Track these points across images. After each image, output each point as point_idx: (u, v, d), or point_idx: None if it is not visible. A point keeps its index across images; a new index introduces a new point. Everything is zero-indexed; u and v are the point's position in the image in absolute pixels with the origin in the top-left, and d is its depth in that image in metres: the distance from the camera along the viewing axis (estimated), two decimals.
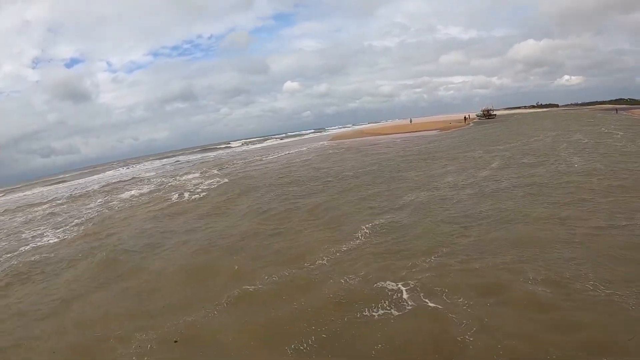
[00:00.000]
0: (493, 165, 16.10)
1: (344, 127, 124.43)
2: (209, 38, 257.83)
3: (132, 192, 19.85)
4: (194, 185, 18.77)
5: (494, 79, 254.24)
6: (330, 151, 30.52)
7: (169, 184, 21.79)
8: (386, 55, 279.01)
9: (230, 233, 9.39)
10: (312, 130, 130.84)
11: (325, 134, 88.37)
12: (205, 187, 17.93)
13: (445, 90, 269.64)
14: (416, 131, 45.15)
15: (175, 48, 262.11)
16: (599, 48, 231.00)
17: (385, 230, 8.62)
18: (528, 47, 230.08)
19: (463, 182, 13.07)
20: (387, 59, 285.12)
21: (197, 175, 24.21)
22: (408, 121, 75.73)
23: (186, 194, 16.32)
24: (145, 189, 20.75)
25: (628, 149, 18.46)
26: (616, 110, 77.14)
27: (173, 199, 16.00)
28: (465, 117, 71.84)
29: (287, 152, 36.59)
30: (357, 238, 8.27)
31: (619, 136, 25.04)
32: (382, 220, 9.26)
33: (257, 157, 34.25)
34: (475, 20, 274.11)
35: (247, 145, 78.07)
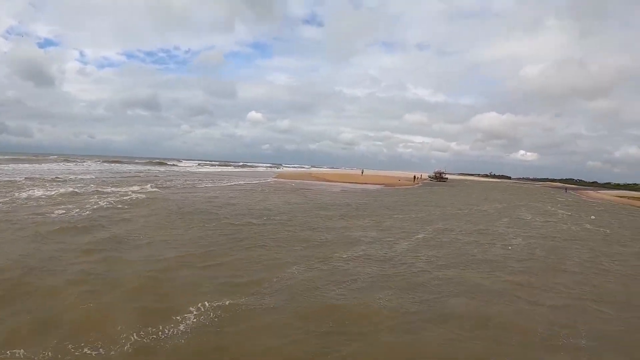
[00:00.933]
0: (419, 236, 14.94)
1: (301, 167, 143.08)
2: (186, 52, 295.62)
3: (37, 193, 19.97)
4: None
5: (453, 144, 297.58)
6: (265, 189, 32.81)
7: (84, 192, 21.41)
8: (354, 103, 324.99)
9: None
10: (270, 165, 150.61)
11: (278, 170, 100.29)
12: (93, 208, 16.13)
13: (405, 148, 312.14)
14: (362, 183, 49.63)
15: (150, 54, 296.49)
16: (557, 129, 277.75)
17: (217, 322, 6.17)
18: (490, 119, 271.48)
19: (374, 255, 11.32)
20: (354, 107, 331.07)
21: (120, 189, 24.12)
22: (360, 172, 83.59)
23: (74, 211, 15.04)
24: (54, 192, 20.56)
25: (572, 232, 19.20)
26: (565, 189, 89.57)
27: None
28: (414, 177, 77.08)
29: (228, 182, 39.01)
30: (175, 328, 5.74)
31: (565, 216, 26.39)
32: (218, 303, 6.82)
33: (199, 182, 36.44)
34: (445, 85, 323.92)
35: (201, 167, 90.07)
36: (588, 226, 22.11)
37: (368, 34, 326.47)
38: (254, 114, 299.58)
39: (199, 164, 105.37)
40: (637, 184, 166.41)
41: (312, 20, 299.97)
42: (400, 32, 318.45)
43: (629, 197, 55.33)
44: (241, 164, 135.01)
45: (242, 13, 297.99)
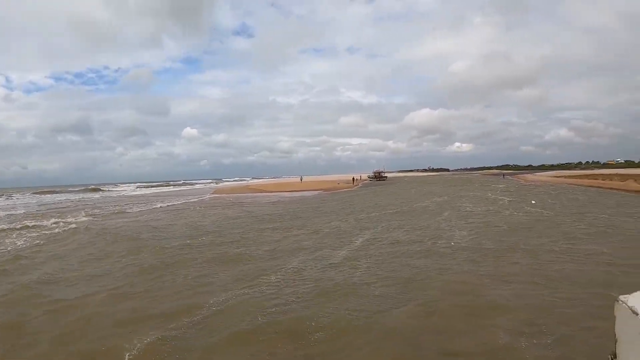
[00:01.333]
0: (357, 242, 14.22)
1: (241, 180, 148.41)
2: (116, 71, 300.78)
3: None
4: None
5: (390, 143, 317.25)
6: (202, 207, 33.26)
7: None
8: (288, 111, 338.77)
9: None
10: (210, 180, 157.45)
11: (217, 185, 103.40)
12: None
13: (342, 151, 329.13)
14: (300, 190, 51.82)
15: (78, 75, 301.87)
16: (488, 119, 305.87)
17: None
18: (423, 115, 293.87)
19: (307, 270, 10.32)
20: (289, 115, 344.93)
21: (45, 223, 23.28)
22: (299, 179, 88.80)
23: None
24: None
25: (515, 218, 19.80)
26: (503, 175, 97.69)
27: None
28: (353, 179, 79.42)
29: (166, 203, 38.61)
30: None
31: (506, 202, 27.39)
32: None
33: (134, 206, 35.97)
34: (377, 86, 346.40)
35: (140, 189, 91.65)
36: (530, 210, 23.01)
37: (299, 42, 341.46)
38: (189, 130, 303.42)
39: (137, 187, 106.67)
40: (570, 163, 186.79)
41: (242, 31, 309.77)
42: (330, 37, 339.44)
43: (565, 177, 60.31)
44: (181, 182, 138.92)
45: (168, 28, 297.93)
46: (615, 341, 1.15)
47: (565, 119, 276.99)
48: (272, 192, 51.80)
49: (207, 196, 50.13)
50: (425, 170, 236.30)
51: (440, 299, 7.88)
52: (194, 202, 39.88)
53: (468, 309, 7.33)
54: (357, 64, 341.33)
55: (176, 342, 6.39)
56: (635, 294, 1.17)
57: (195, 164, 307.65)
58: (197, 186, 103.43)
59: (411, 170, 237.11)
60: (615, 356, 1.15)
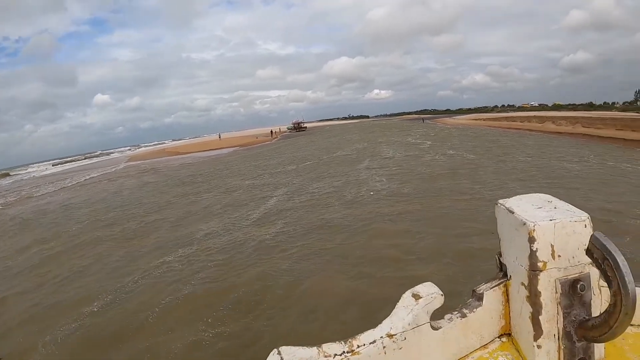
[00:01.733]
0: (270, 202, 13.35)
1: (161, 143, 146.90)
2: (17, 41, 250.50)
3: None
4: None
5: (309, 93, 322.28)
6: (113, 178, 31.66)
7: None
8: (204, 68, 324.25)
9: None
10: (128, 147, 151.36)
11: (133, 152, 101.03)
12: None
13: (261, 104, 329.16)
14: (217, 149, 52.27)
15: None
16: (407, 66, 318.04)
17: None
18: (342, 64, 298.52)
19: (216, 245, 9.28)
20: (205, 72, 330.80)
21: None
22: (218, 137, 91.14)
23: None
24: None
25: (438, 163, 20.10)
26: (422, 119, 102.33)
27: None
28: (272, 132, 79.15)
29: (76, 180, 35.93)
30: None
31: (426, 146, 27.92)
32: None
33: (43, 188, 33.01)
34: (293, 36, 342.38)
35: (55, 167, 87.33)
36: (451, 152, 23.61)
37: None
38: (100, 97, 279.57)
39: (52, 164, 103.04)
40: (487, 107, 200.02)
41: None
42: None
43: (484, 119, 63.85)
44: (98, 152, 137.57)
45: None
46: (499, 240, 1.32)
47: (483, 65, 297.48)
48: (188, 153, 51.76)
49: (122, 165, 48.82)
50: (345, 119, 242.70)
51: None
52: (108, 173, 37.93)
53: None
54: (273, 15, 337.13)
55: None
56: (512, 198, 1.33)
57: (111, 133, 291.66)
58: (113, 155, 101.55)
59: (331, 119, 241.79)
60: (500, 254, 1.32)
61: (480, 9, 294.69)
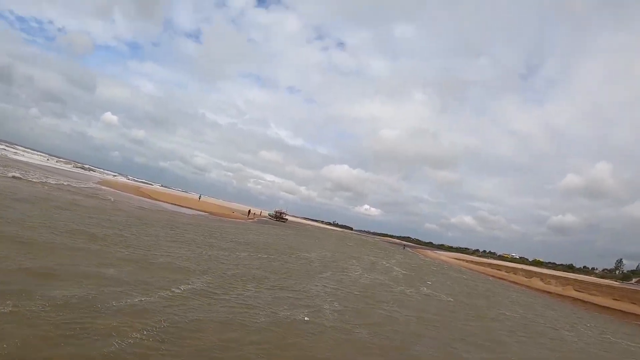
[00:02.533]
0: (178, 289, 9.55)
1: (148, 183, 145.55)
2: (60, 30, 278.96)
3: None
4: None
5: (303, 189, 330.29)
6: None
7: None
8: (214, 129, 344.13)
9: None
10: (116, 173, 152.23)
11: (111, 178, 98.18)
12: None
13: (255, 184, 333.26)
14: (188, 207, 51.49)
15: (21, 19, 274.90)
16: (402, 190, 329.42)
17: None
18: (342, 171, 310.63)
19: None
20: (214, 133, 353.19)
21: None
22: (198, 197, 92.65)
23: None
24: None
25: (406, 297, 16.76)
26: (404, 246, 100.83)
27: None
28: (249, 211, 77.99)
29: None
30: None
31: (400, 275, 24.68)
32: None
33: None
34: (305, 131, 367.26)
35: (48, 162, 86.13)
36: (426, 290, 20.22)
37: (243, 64, 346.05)
38: (109, 116, 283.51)
39: (48, 159, 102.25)
40: (468, 249, 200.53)
41: (193, 35, 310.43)
42: (275, 70, 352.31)
43: (467, 261, 60.96)
44: (87, 166, 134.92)
45: (121, 2, 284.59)
46: None
47: (473, 208, 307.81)
48: (157, 200, 50.66)
49: (92, 183, 48.53)
50: (329, 224, 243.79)
51: None
52: (72, 186, 34.96)
53: None
54: (294, 105, 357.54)
55: None
56: None
57: (106, 152, 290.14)
58: (95, 173, 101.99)
59: (316, 220, 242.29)
60: None
61: (483, 155, 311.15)
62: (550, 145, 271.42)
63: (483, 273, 42.96)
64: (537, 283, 34.22)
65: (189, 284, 10.67)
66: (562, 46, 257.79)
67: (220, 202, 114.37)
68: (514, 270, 43.51)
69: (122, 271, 10.23)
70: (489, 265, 50.78)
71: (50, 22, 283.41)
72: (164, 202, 50.62)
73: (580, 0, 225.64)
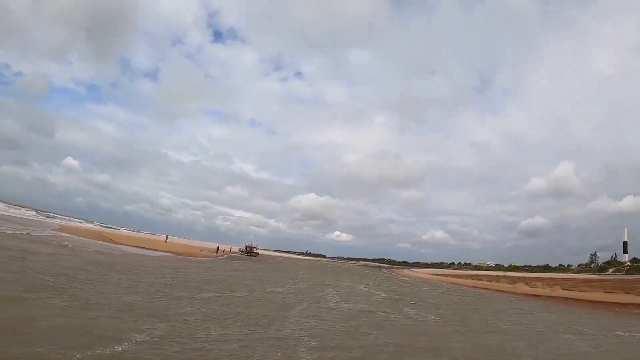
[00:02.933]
0: (122, 346, 7.40)
1: (116, 228, 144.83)
2: (16, 74, 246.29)
3: None
4: None
5: (272, 221, 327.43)
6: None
7: None
8: (178, 169, 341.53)
9: None
10: (81, 220, 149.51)
11: (67, 223, 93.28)
12: None
13: (223, 221, 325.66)
14: (153, 249, 48.87)
15: None
16: (370, 213, 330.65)
17: None
18: (309, 200, 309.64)
19: None
20: (177, 173, 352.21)
21: None
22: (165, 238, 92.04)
23: None
24: None
25: (392, 323, 14.71)
26: (380, 268, 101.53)
27: None
28: (217, 248, 76.57)
29: None
30: None
31: (380, 299, 22.90)
32: None
33: None
34: (270, 163, 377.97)
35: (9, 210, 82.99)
36: (410, 312, 18.49)
37: (203, 100, 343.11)
38: (70, 161, 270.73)
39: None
40: (443, 263, 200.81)
41: (152, 74, 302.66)
42: (235, 105, 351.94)
43: (445, 275, 59.64)
44: (51, 214, 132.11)
45: (78, 45, 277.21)
46: None
47: (443, 222, 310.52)
48: (119, 243, 48.26)
49: (49, 231, 45.22)
50: (302, 254, 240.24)
51: None
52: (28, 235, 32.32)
53: None
54: (256, 138, 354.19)
55: None
56: None
57: (70, 199, 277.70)
58: (55, 219, 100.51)
59: (288, 252, 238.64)
60: None
61: (446, 170, 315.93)
62: (511, 152, 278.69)
63: (464, 285, 41.54)
64: (523, 288, 33.06)
65: (137, 338, 8.59)
66: (512, 57, 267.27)
67: (188, 241, 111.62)
68: (496, 278, 42.28)
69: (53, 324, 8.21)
70: (469, 277, 49.49)
71: (7, 66, 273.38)
72: (126, 245, 48.09)
73: (526, 16, 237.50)
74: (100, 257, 25.57)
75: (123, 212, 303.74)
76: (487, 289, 36.71)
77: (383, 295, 25.92)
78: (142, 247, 48.31)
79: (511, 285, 35.81)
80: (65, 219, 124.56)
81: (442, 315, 18.64)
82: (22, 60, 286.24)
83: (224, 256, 66.24)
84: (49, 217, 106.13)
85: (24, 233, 31.87)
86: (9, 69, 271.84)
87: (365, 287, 31.44)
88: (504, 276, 43.90)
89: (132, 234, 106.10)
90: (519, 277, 40.28)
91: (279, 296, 20.07)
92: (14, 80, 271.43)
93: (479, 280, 43.29)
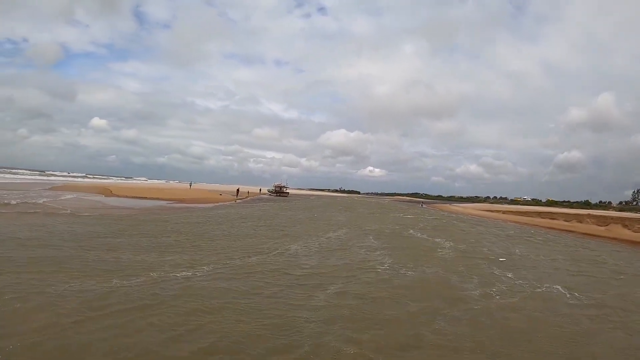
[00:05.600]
0: None
1: (149, 180, 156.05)
2: (34, 45, 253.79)
3: None
4: None
5: (303, 160, 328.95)
6: None
7: None
8: (206, 116, 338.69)
9: None
10: (118, 177, 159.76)
11: (107, 181, 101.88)
12: None
13: (255, 163, 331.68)
14: (154, 199, 44.24)
15: None
16: (403, 147, 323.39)
17: None
18: (339, 136, 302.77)
19: None
20: (206, 120, 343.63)
21: None
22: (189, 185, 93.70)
23: None
24: None
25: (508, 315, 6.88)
26: (421, 204, 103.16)
27: None
28: (237, 190, 68.73)
29: None
30: None
31: (448, 254, 15.43)
32: None
33: None
34: (298, 102, 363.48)
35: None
36: (518, 283, 10.79)
37: (227, 45, 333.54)
38: (97, 121, 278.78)
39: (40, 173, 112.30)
40: (479, 197, 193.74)
41: (170, 25, 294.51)
42: (259, 46, 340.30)
43: (501, 211, 51.28)
44: (84, 174, 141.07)
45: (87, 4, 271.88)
46: None
47: (477, 156, 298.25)
48: (121, 196, 43.64)
49: (46, 191, 41.83)
50: (336, 191, 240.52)
51: None
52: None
53: None
54: (283, 77, 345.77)
55: None
56: None
57: (102, 159, 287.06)
58: (77, 179, 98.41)
59: (322, 190, 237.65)
60: None
61: (480, 100, 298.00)
62: (548, 82, 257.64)
63: (537, 226, 33.40)
64: (623, 232, 24.94)
65: None
66: None
67: (216, 186, 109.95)
68: (577, 217, 33.77)
69: None
70: (536, 214, 41.12)
71: (25, 40, 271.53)
72: (132, 197, 43.79)
73: None
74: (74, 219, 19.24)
75: (156, 165, 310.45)
76: (571, 231, 28.59)
77: (448, 246, 18.44)
78: (142, 197, 44.53)
79: (603, 228, 27.48)
80: (97, 177, 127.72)
81: (571, 286, 11.07)
82: (39, 31, 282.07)
83: (246, 199, 60.82)
84: (86, 178, 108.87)
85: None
86: (27, 42, 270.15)
87: (417, 232, 23.94)
88: (589, 215, 35.09)
89: (145, 184, 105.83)
90: (608, 217, 31.82)
91: (304, 258, 12.88)
92: (30, 50, 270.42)
93: (552, 219, 34.97)
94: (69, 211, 22.94)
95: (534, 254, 17.46)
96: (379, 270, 11.98)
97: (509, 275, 12.19)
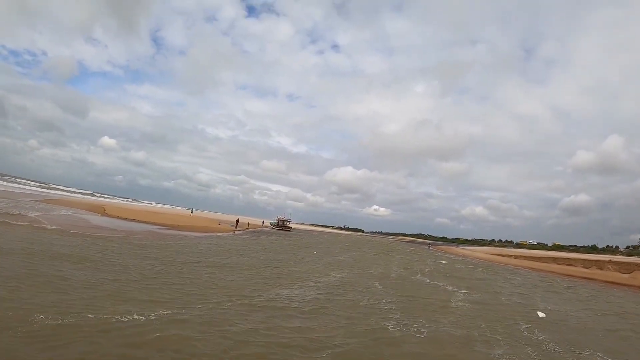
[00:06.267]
0: None
1: (157, 204, 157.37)
2: (52, 59, 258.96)
3: None
4: None
5: (309, 195, 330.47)
6: None
7: None
8: (215, 144, 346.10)
9: None
10: (123, 198, 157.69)
11: (109, 200, 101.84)
12: None
13: (260, 195, 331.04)
14: (147, 222, 42.43)
15: (14, 53, 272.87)
16: (409, 187, 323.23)
17: None
18: (346, 173, 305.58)
19: None
20: (215, 148, 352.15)
21: None
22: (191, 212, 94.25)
23: None
24: None
25: None
26: (429, 245, 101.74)
27: None
28: (237, 221, 66.17)
29: None
30: None
31: (462, 305, 13.53)
32: None
33: None
34: (307, 137, 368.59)
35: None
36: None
37: (240, 76, 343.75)
38: (107, 140, 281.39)
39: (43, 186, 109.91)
40: (484, 240, 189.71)
41: (187, 52, 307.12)
42: (273, 78, 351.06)
43: (512, 256, 48.94)
44: (91, 192, 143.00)
45: (102, 19, 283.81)
46: None
47: (483, 198, 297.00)
48: (113, 217, 42.68)
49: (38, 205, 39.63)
50: (340, 228, 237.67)
51: None
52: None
53: None
54: (294, 111, 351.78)
55: None
56: None
57: (110, 178, 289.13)
58: (76, 195, 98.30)
59: (326, 226, 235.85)
60: None
61: (488, 142, 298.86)
62: (556, 126, 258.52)
63: (553, 273, 31.07)
64: None
65: None
66: (558, 25, 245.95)
67: (218, 215, 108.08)
68: (597, 264, 31.36)
69: None
70: (551, 259, 38.45)
71: (44, 53, 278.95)
72: (140, 221, 41.67)
73: None
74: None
75: (162, 189, 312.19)
76: (591, 279, 26.35)
77: (462, 294, 16.49)
78: (134, 220, 42.61)
79: (627, 276, 25.25)
80: (100, 196, 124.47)
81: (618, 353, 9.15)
82: (58, 45, 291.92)
83: (246, 230, 58.66)
84: (94, 196, 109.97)
85: None
86: (45, 55, 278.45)
87: (427, 279, 21.93)
88: (610, 261, 32.66)
89: (145, 207, 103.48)
90: (627, 262, 29.58)
91: (311, 304, 11.01)
92: (48, 64, 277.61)
93: (568, 265, 32.63)
94: (34, 225, 21.46)
95: (561, 307, 15.47)
96: (389, 327, 10.11)
97: (540, 337, 10.28)
